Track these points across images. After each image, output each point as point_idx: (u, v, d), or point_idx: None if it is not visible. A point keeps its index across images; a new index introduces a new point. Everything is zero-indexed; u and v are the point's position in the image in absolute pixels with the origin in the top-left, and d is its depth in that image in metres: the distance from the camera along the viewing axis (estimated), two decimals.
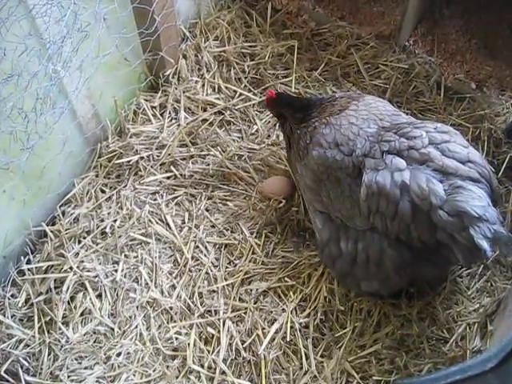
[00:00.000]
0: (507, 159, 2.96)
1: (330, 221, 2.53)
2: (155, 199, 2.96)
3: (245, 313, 2.64)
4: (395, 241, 2.29)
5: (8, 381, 2.48)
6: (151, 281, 2.72)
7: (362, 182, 2.28)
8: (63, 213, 2.90)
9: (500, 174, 2.92)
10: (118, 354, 2.56)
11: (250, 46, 3.47)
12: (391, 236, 2.28)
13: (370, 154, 2.29)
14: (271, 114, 3.06)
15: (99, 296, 2.68)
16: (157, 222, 2.88)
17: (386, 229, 2.27)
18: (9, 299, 2.67)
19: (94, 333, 2.61)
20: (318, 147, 2.46)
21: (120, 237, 2.80)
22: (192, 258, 2.79)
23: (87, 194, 2.94)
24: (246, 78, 3.38)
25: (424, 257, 2.29)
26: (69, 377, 2.50)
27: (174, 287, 2.72)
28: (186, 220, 2.91)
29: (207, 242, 2.84)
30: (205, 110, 3.24)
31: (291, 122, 2.68)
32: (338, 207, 2.45)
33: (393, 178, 2.18)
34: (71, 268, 2.71)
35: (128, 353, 2.56)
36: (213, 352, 2.56)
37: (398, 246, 2.29)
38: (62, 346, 2.56)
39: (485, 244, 1.99)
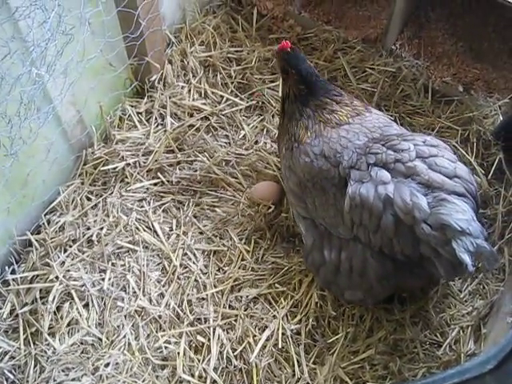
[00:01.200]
0: (496, 161, 2.94)
1: (314, 227, 2.52)
2: (142, 206, 2.92)
3: (235, 320, 2.61)
4: (378, 252, 2.27)
5: None
6: (139, 289, 2.68)
7: (346, 193, 2.27)
8: (48, 221, 2.85)
9: (490, 175, 2.91)
10: (107, 365, 2.50)
11: (236, 51, 3.45)
12: (374, 248, 2.28)
13: (356, 165, 2.28)
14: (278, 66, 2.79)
15: (86, 305, 2.63)
16: (144, 230, 2.84)
17: (368, 241, 2.27)
18: None
19: (82, 343, 2.56)
20: (305, 156, 2.45)
21: (107, 245, 2.76)
22: (180, 265, 2.75)
23: (73, 201, 2.90)
24: (232, 83, 3.35)
25: (407, 269, 2.27)
26: None
27: (162, 295, 2.68)
28: (174, 227, 2.87)
29: (196, 249, 2.80)
30: (191, 116, 3.21)
31: (292, 88, 2.56)
32: (322, 214, 2.44)
33: (376, 191, 2.17)
34: (57, 277, 2.65)
35: (116, 363, 2.51)
36: (203, 361, 2.51)
37: (382, 257, 2.28)
38: (48, 358, 2.51)
39: (466, 258, 1.97)
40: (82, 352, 2.54)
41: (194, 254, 2.79)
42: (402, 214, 2.10)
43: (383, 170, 2.20)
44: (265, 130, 3.17)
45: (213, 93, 3.29)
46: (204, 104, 3.24)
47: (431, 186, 2.12)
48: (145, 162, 3.02)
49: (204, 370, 2.49)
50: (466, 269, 1.97)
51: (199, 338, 2.56)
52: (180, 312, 2.62)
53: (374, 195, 2.17)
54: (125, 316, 2.61)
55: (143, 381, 2.47)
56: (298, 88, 2.54)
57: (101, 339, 2.56)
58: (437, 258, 2.09)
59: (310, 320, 2.59)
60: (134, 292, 2.67)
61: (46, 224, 2.84)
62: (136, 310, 2.62)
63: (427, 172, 2.14)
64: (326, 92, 2.54)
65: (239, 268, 2.75)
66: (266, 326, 2.59)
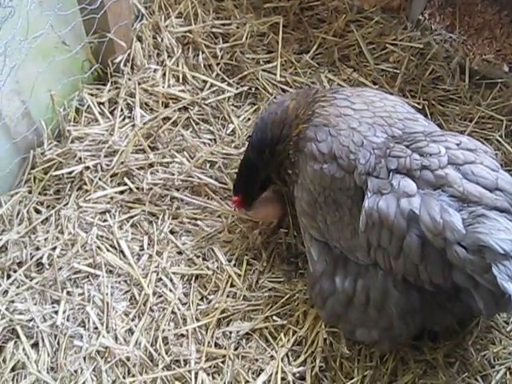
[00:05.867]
0: None
1: (328, 250, 2.55)
2: (105, 220, 2.97)
3: (223, 362, 2.64)
4: (402, 281, 2.30)
5: None
6: (102, 324, 2.71)
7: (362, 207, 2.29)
8: None
9: None
10: None
11: (223, 25, 3.52)
12: (397, 276, 2.31)
13: (375, 172, 2.29)
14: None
15: (35, 345, 2.67)
16: (108, 250, 2.89)
17: (389, 268, 2.29)
18: None
19: None
20: (313, 162, 2.47)
21: (61, 269, 2.81)
22: (154, 293, 2.79)
23: (18, 214, 2.95)
24: (218, 64, 3.41)
25: (437, 302, 2.31)
26: None
27: (131, 332, 2.72)
28: (146, 246, 2.92)
29: (173, 272, 2.84)
30: (166, 106, 3.27)
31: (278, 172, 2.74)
32: (336, 236, 2.48)
33: (399, 206, 2.18)
34: None
35: None
36: None
37: (406, 288, 2.31)
38: None
39: (510, 287, 1.96)
40: None
41: (171, 280, 2.83)
42: (431, 234, 2.11)
43: (407, 179, 2.21)
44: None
45: (193, 77, 3.36)
46: (182, 91, 3.31)
47: (466, 200, 2.13)
48: (108, 165, 3.08)
49: None
50: (510, 301, 1.98)
51: None
52: (153, 352, 2.65)
53: (396, 211, 2.18)
54: (84, 358, 2.64)
55: None
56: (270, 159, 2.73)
57: None
58: (474, 288, 2.11)
59: (318, 361, 2.62)
60: (96, 328, 2.71)
61: None
62: (98, 351, 2.65)
63: (462, 182, 2.15)
64: (263, 133, 2.72)
65: (228, 296, 2.79)
66: (262, 369, 2.62)
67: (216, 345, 2.69)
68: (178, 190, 3.04)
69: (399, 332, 2.43)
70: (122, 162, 3.07)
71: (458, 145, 2.25)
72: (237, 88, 3.34)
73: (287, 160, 2.63)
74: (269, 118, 2.71)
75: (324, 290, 2.52)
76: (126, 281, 2.83)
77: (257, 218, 2.96)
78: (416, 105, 3.15)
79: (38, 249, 2.87)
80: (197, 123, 3.25)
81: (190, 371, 2.61)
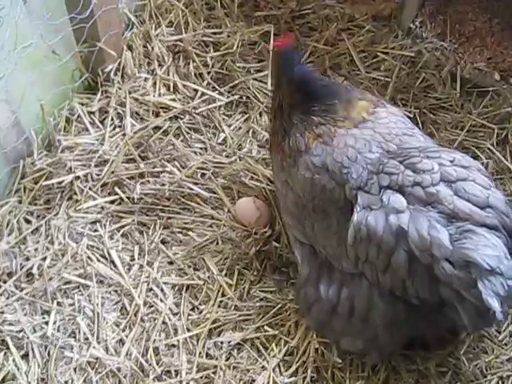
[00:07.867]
0: None
1: (313, 254, 2.57)
2: (96, 230, 2.98)
3: (214, 372, 2.64)
4: (388, 292, 2.32)
5: None
6: (92, 335, 2.71)
7: (351, 221, 2.31)
8: None
9: None
10: None
11: (214, 33, 3.53)
12: (383, 288, 2.32)
13: (366, 187, 2.30)
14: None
15: (25, 356, 2.67)
16: (98, 260, 2.89)
17: (376, 281, 2.31)
18: None
19: None
20: (305, 170, 2.48)
21: (51, 279, 2.81)
22: (144, 303, 2.79)
23: (7, 225, 2.95)
24: (209, 73, 3.42)
25: (422, 315, 2.32)
26: None
27: (121, 342, 2.72)
28: (136, 256, 2.93)
29: (164, 283, 2.85)
30: (157, 115, 3.28)
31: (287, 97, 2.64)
32: (323, 243, 2.49)
33: (387, 222, 2.20)
34: None
35: None
36: None
37: (392, 299, 2.32)
38: None
39: (495, 303, 1.98)
40: None
41: (162, 290, 2.83)
42: (418, 250, 2.14)
43: (397, 195, 2.22)
44: (250, 131, 3.24)
45: (184, 86, 3.37)
46: (173, 100, 3.32)
47: (456, 217, 2.14)
48: (99, 175, 3.08)
49: None
50: (494, 316, 2.00)
51: None
52: (144, 363, 2.66)
53: (385, 226, 2.20)
54: (74, 369, 2.65)
55: None
56: (297, 107, 2.59)
57: None
58: (460, 302, 2.13)
59: (309, 371, 2.63)
60: (86, 338, 2.71)
61: None
62: (88, 362, 2.65)
63: (452, 200, 2.16)
64: (331, 94, 2.57)
65: (219, 306, 2.79)
66: (254, 380, 2.62)
67: (207, 355, 2.69)
68: (168, 200, 3.05)
69: (384, 343, 2.45)
70: (112, 172, 3.08)
71: (451, 161, 2.25)
72: (228, 97, 3.35)
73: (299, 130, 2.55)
74: (334, 87, 2.64)
75: (308, 297, 2.55)
76: (116, 291, 2.84)
77: (244, 221, 2.97)
78: (407, 113, 3.15)
79: (27, 259, 2.88)
80: (188, 132, 3.25)
81: (181, 382, 2.61)
